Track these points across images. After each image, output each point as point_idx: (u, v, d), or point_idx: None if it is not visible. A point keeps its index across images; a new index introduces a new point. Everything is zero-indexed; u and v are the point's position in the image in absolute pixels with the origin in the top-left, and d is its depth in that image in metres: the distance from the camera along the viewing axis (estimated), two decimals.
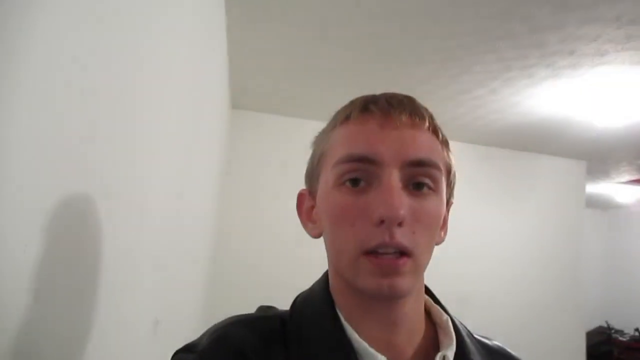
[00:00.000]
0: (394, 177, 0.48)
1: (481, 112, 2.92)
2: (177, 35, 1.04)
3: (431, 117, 0.54)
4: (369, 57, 2.24)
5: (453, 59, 2.19)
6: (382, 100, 0.52)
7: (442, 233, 0.57)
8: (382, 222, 0.46)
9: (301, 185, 0.61)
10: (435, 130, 0.53)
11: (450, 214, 0.58)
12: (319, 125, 0.60)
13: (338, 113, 0.56)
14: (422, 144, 0.50)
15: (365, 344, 0.49)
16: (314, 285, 0.58)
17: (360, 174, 0.49)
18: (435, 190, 0.51)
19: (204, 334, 0.52)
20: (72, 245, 0.56)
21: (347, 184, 0.50)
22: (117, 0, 0.61)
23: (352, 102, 0.55)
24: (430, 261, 0.51)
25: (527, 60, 2.16)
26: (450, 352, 0.52)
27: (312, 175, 0.57)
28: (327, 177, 0.52)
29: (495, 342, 0.63)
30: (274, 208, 2.97)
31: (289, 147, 2.98)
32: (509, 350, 0.63)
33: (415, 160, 0.49)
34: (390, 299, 0.49)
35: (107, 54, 0.60)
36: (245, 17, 1.94)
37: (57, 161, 0.49)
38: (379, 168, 0.48)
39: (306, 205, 0.59)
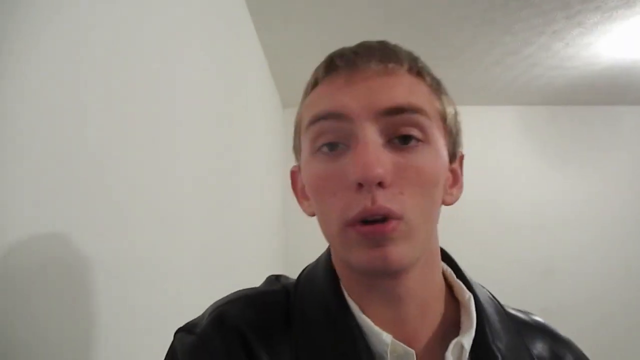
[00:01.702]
0: (369, 132, 0.42)
1: (538, 70, 2.74)
2: (205, 49, 1.13)
3: (414, 60, 0.47)
4: (402, 34, 2.21)
5: (489, 22, 2.10)
6: (347, 51, 0.46)
7: (455, 190, 0.50)
8: (359, 185, 0.41)
9: None
10: (420, 73, 0.46)
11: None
12: None
13: (310, 78, 0.51)
14: (397, 89, 0.43)
15: (369, 322, 0.45)
16: (319, 257, 0.54)
17: (333, 135, 0.44)
18: (425, 140, 0.44)
19: (205, 312, 0.49)
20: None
21: (324, 149, 0.44)
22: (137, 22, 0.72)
23: (327, 59, 0.49)
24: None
25: (571, 8, 2.00)
26: (468, 338, 0.46)
27: (296, 150, 0.53)
28: (304, 146, 0.48)
29: (534, 317, 0.56)
30: None
31: None
32: (550, 326, 0.55)
33: (390, 108, 0.42)
34: (385, 273, 0.43)
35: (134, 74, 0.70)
36: (271, 13, 2.02)
37: (88, 164, 0.58)
38: (351, 124, 0.42)
39: (300, 182, 0.53)
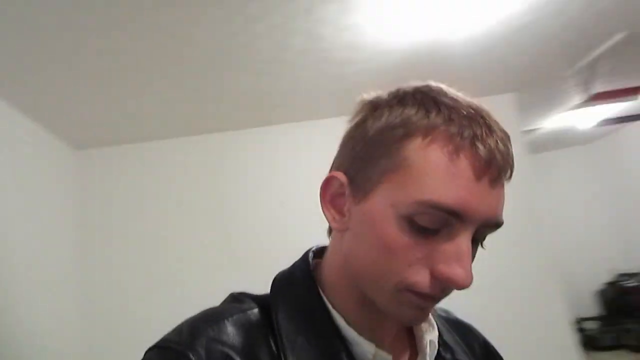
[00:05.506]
0: (469, 238, 0.45)
1: None
2: None
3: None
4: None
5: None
6: (490, 143, 0.45)
7: None
8: (447, 283, 0.45)
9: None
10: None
11: None
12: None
13: (415, 113, 0.47)
14: (502, 207, 0.47)
15: (354, 333, 0.50)
16: (294, 270, 0.57)
17: (437, 224, 0.44)
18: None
19: (179, 329, 0.48)
20: None
21: (419, 226, 0.44)
22: None
23: (449, 117, 0.46)
24: None
25: None
26: (434, 337, 0.56)
27: (362, 168, 0.49)
28: (394, 200, 0.45)
29: (454, 315, 0.69)
30: (146, 244, 2.69)
31: (146, 176, 2.74)
32: (466, 321, 0.69)
33: (494, 224, 0.47)
34: None
35: None
36: None
37: None
38: (460, 223, 0.44)
39: (335, 190, 0.52)
